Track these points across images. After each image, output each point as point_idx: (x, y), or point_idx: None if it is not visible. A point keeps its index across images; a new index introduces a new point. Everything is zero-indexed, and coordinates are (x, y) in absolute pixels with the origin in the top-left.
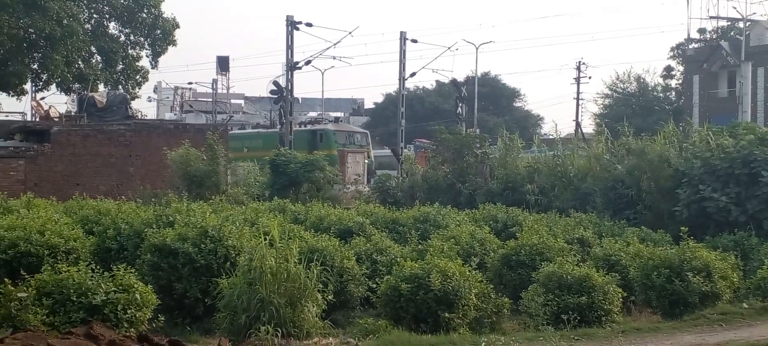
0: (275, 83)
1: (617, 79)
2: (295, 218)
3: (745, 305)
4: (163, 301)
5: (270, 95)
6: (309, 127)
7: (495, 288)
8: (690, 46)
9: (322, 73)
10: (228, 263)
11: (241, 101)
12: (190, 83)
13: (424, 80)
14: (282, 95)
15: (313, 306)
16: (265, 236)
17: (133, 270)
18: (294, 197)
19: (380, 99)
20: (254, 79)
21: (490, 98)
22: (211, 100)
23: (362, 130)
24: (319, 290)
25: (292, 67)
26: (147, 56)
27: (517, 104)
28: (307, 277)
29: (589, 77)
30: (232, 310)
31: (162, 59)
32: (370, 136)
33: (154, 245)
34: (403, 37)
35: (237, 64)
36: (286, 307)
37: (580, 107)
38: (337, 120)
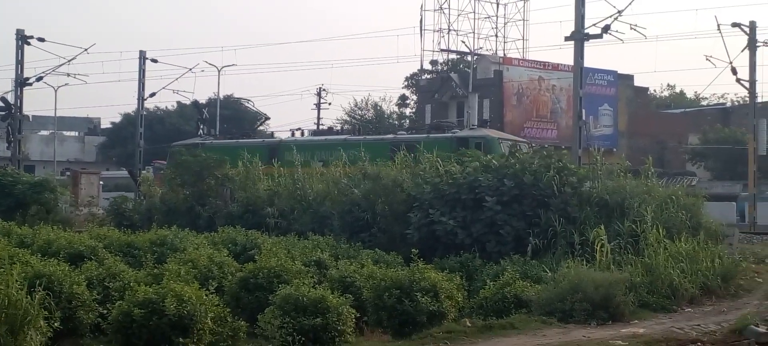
0: (2, 99)
1: (356, 105)
2: (21, 242)
3: (468, 323)
4: None
5: None
6: (457, 133)
7: (232, 312)
8: (423, 77)
9: (56, 91)
10: None
11: None
12: None
13: (166, 101)
14: (10, 112)
15: (37, 334)
16: None
17: None
18: (21, 220)
19: (118, 119)
20: None
21: (234, 121)
22: None
23: (523, 139)
24: (44, 317)
25: (21, 83)
26: None
27: (261, 128)
28: (30, 303)
29: (330, 103)
30: None
31: None
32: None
33: None
34: (142, 57)
35: None
36: (7, 335)
37: None
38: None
